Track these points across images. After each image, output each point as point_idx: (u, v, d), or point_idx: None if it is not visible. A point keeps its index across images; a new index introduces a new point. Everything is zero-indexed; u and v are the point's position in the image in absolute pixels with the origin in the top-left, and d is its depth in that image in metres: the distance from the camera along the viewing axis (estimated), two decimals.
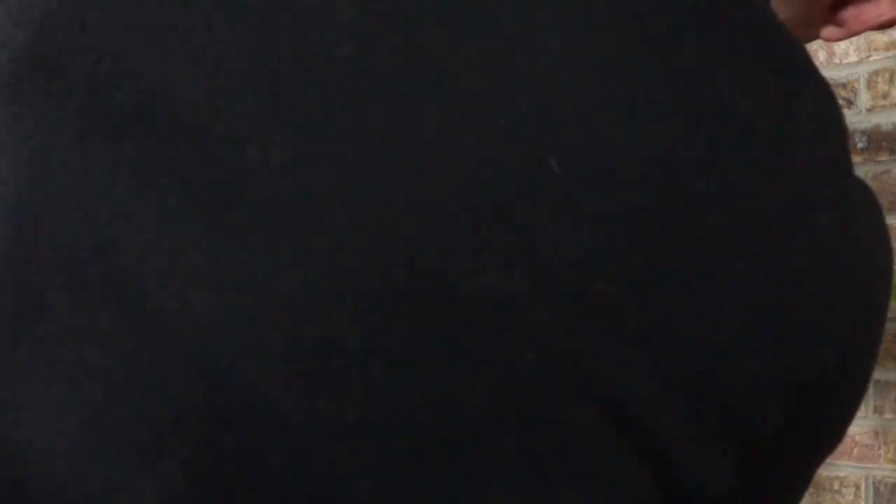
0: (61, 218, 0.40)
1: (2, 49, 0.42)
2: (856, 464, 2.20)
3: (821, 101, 0.47)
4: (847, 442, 2.21)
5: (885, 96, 2.15)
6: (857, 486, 2.20)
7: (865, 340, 0.48)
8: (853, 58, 2.19)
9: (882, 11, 0.59)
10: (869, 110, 2.18)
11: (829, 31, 0.61)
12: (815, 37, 0.61)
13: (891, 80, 2.14)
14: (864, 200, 0.48)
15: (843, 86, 2.21)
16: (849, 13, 0.59)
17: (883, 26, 0.59)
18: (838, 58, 2.21)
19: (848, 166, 0.48)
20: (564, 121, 0.41)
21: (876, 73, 2.16)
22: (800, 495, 0.52)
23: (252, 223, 0.39)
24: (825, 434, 0.49)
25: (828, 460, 2.24)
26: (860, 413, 2.18)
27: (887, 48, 2.14)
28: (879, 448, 2.17)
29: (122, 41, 0.41)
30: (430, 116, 0.40)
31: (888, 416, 2.15)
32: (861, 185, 0.48)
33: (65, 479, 0.39)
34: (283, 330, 0.39)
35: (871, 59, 2.16)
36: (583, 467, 0.41)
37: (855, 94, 2.20)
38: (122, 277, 0.39)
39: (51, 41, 0.42)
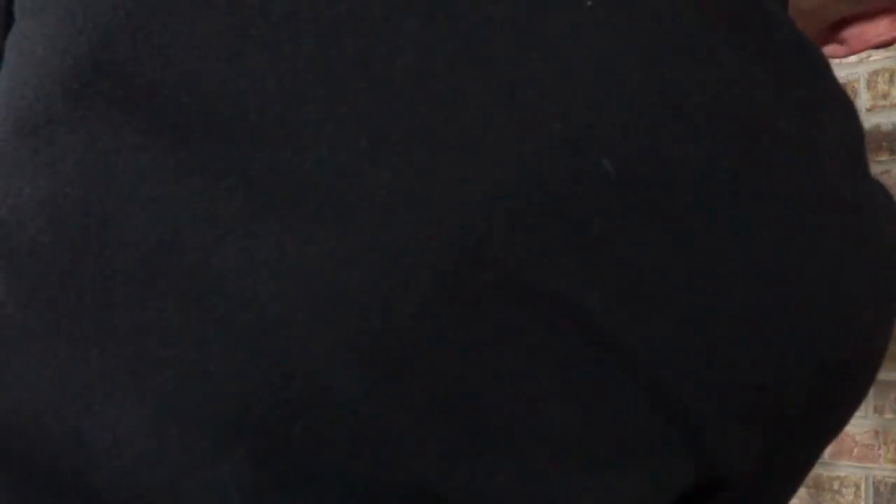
0: (128, 218, 0.41)
1: (65, 55, 0.43)
2: (856, 464, 2.20)
3: (844, 109, 0.50)
4: (847, 442, 2.21)
5: (885, 96, 2.16)
6: (857, 486, 2.20)
7: (884, 327, 0.52)
8: (853, 58, 2.19)
9: (881, 31, 0.63)
10: (869, 110, 2.18)
11: (831, 48, 0.65)
12: (829, 42, 0.64)
13: (891, 80, 2.14)
14: (883, 200, 0.52)
15: (843, 86, 2.21)
16: (850, 32, 0.63)
17: (882, 45, 0.63)
18: (838, 58, 2.21)
19: (867, 169, 0.51)
20: (615, 125, 0.43)
21: (876, 73, 2.16)
22: (806, 474, 0.55)
23: (319, 220, 0.41)
24: (841, 412, 0.53)
25: (828, 460, 2.24)
26: (860, 413, 2.19)
27: (887, 48, 2.14)
28: (879, 448, 2.17)
29: (189, 48, 0.42)
30: (490, 121, 0.42)
31: (888, 416, 2.15)
32: (878, 185, 0.52)
33: (132, 467, 0.40)
34: (351, 320, 0.40)
35: (871, 59, 2.17)
36: (630, 447, 0.44)
37: (855, 94, 2.20)
38: (189, 274, 0.41)
39: (115, 48, 0.42)
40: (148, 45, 0.42)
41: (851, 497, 2.20)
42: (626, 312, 0.43)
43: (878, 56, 2.16)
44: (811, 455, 0.54)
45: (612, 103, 0.44)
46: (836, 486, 2.23)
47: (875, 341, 0.52)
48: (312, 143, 0.41)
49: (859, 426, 2.19)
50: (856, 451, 2.20)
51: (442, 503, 0.41)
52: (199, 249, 0.41)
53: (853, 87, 2.20)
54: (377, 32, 0.42)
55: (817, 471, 2.26)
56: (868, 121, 2.18)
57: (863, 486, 2.19)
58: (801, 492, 2.28)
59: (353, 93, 0.42)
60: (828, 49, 0.64)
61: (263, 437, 0.40)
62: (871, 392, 2.16)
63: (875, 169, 2.17)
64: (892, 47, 1.82)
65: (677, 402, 0.44)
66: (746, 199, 0.45)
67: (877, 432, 2.17)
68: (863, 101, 2.19)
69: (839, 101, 0.50)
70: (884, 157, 2.16)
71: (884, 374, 2.15)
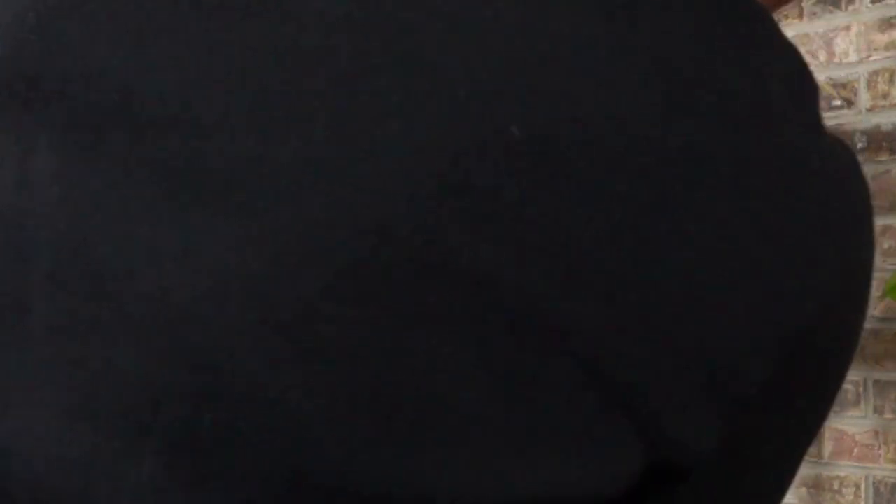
0: (42, 219, 0.41)
1: None
2: (856, 464, 2.20)
3: (788, 59, 0.47)
4: (847, 442, 2.21)
5: (885, 96, 2.16)
6: (857, 486, 2.20)
7: (850, 294, 0.47)
8: (853, 58, 2.19)
9: None
10: (869, 110, 2.18)
11: None
12: (785, 2, 0.61)
13: (891, 80, 2.14)
14: (839, 155, 0.48)
15: (843, 86, 2.21)
16: None
17: None
18: (838, 58, 2.21)
19: (819, 122, 0.48)
20: (525, 88, 0.42)
21: (876, 73, 2.16)
22: (793, 466, 0.51)
23: (223, 207, 0.40)
24: (816, 394, 0.49)
25: (828, 460, 2.24)
26: (860, 413, 2.19)
27: (887, 48, 2.14)
28: (879, 448, 2.17)
29: (95, 44, 0.42)
30: (394, 93, 0.41)
31: (888, 416, 2.15)
32: (836, 141, 0.48)
33: (46, 469, 0.39)
34: (258, 306, 0.40)
35: (871, 59, 2.17)
36: (564, 429, 0.41)
37: (855, 94, 2.20)
38: (100, 271, 0.40)
39: (30, 53, 0.43)
40: (56, 45, 0.42)
41: (851, 497, 2.20)
42: (547, 284, 0.41)
43: (878, 56, 2.16)
44: (791, 441, 0.50)
45: (523, 66, 0.42)
46: (836, 486, 2.23)
47: (844, 310, 0.47)
48: (216, 130, 0.41)
49: (859, 426, 2.19)
50: (856, 451, 2.20)
51: (360, 492, 0.40)
52: (108, 245, 0.40)
53: (853, 87, 2.20)
54: (281, 14, 0.42)
55: (817, 471, 2.26)
56: (868, 121, 2.18)
57: (863, 486, 2.19)
58: (802, 491, 2.28)
59: (257, 77, 0.41)
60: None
61: (175, 433, 0.40)
62: (871, 392, 2.16)
63: (875, 169, 2.17)
64: (892, 47, 1.81)
65: (615, 381, 0.42)
66: (680, 159, 0.43)
67: (877, 432, 2.17)
68: (863, 101, 2.19)
69: (781, 50, 0.47)
70: (884, 157, 2.16)
71: (884, 374, 2.15)
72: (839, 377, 0.50)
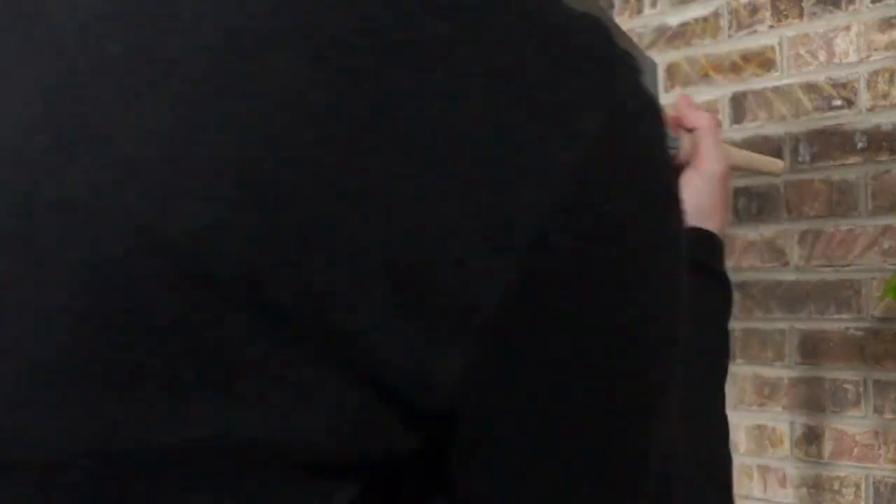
0: None
1: None
2: (856, 464, 2.20)
3: None
4: (847, 442, 2.21)
5: (885, 96, 2.16)
6: (857, 486, 2.20)
7: (605, 191, 0.40)
8: (853, 58, 2.19)
9: None
10: (869, 110, 2.18)
11: None
12: None
13: (891, 80, 2.14)
14: (570, 16, 0.42)
15: (843, 86, 2.21)
16: None
17: None
18: (838, 58, 2.21)
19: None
20: (143, 17, 0.42)
21: (876, 73, 2.16)
22: (605, 414, 0.43)
23: None
24: (592, 316, 0.41)
25: (828, 460, 2.24)
26: (860, 413, 2.19)
27: (887, 48, 2.14)
28: (879, 448, 2.17)
29: None
30: (17, 58, 0.43)
31: (888, 416, 2.15)
32: (585, 15, 0.43)
33: None
34: None
35: (871, 59, 2.17)
36: (220, 367, 0.38)
37: (855, 94, 2.20)
38: None
39: None
40: None
41: (851, 497, 2.20)
42: (208, 224, 0.38)
43: (878, 56, 2.16)
44: (564, 371, 0.41)
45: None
46: (836, 486, 2.23)
47: (593, 206, 0.39)
48: None
49: (859, 426, 2.19)
50: (856, 451, 2.20)
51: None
52: None
53: (853, 87, 2.20)
54: None
55: (817, 471, 2.26)
56: (868, 121, 2.18)
57: (863, 486, 2.19)
58: (802, 491, 2.28)
59: None
60: None
61: None
62: (871, 392, 2.16)
63: (875, 169, 2.17)
64: (892, 47, 1.82)
65: (272, 305, 0.37)
66: (339, 80, 0.39)
67: (877, 432, 2.17)
68: (863, 101, 2.19)
69: None
70: (884, 157, 2.16)
71: (884, 374, 2.15)
72: (635, 295, 0.42)
